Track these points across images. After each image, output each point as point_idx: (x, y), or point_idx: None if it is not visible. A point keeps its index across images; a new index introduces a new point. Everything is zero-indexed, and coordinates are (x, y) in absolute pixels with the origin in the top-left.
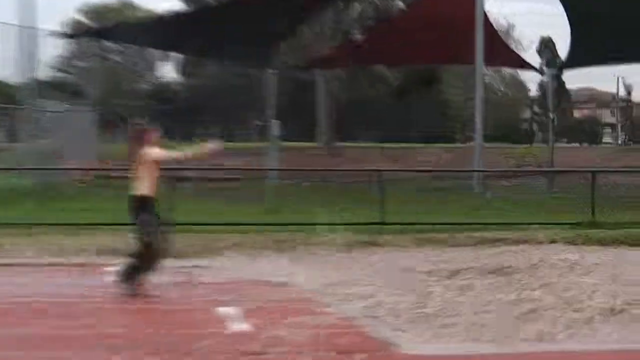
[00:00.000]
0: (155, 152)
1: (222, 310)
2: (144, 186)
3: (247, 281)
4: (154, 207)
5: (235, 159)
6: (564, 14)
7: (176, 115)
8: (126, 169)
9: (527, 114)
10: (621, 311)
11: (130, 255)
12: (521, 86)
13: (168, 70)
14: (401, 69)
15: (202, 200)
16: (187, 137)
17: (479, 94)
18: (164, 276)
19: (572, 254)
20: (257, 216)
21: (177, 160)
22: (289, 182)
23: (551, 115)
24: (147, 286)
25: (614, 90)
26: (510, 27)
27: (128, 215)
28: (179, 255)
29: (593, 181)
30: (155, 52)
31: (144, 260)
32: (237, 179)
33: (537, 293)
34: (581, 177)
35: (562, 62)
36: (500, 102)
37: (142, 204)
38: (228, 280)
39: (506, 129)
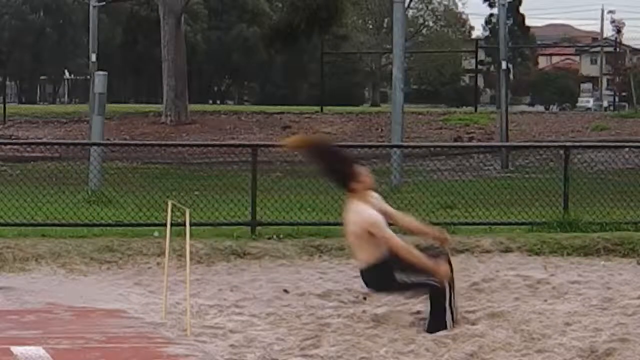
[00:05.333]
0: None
1: (21, 351)
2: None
3: (60, 308)
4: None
5: (49, 128)
6: None
7: None
8: None
9: (468, 63)
10: (607, 353)
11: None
12: (460, 23)
13: None
14: (285, 1)
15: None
16: None
17: (398, 32)
18: None
19: (535, 268)
20: (77, 210)
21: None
22: (120, 162)
23: (504, 65)
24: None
25: (596, 29)
26: None
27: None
28: None
29: (566, 161)
30: None
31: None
32: (54, 158)
33: (480, 327)
34: (549, 156)
35: None
36: (429, 46)
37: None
38: (33, 307)
39: (439, 85)
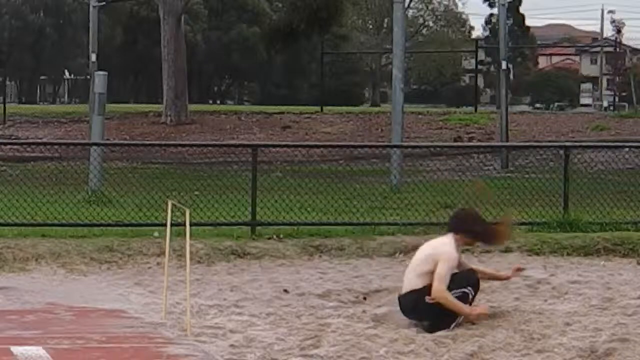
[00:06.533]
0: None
1: (21, 350)
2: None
3: (61, 308)
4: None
5: (49, 128)
6: None
7: None
8: None
9: (468, 63)
10: (607, 353)
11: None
12: (460, 23)
13: None
14: (285, 1)
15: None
16: None
17: (398, 32)
18: None
19: (535, 268)
20: (77, 210)
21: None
22: (120, 162)
23: (504, 65)
24: None
25: (596, 29)
26: None
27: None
28: None
29: (566, 161)
30: None
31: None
32: (54, 158)
33: (480, 327)
34: (549, 156)
35: None
36: (429, 46)
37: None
38: (33, 307)
39: (439, 85)
